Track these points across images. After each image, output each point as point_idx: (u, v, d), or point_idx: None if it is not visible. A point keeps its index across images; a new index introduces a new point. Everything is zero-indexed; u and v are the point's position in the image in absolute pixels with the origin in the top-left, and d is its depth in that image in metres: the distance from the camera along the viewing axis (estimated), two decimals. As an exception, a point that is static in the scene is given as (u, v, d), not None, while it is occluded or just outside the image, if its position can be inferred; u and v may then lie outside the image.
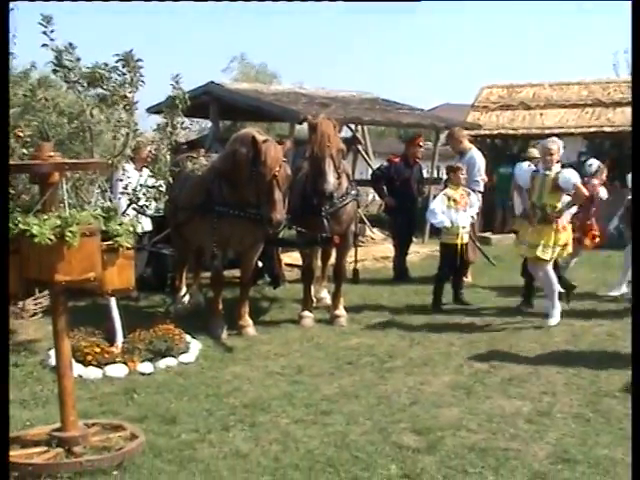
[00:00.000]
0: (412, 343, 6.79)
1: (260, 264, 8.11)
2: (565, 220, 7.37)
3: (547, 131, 15.38)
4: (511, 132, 15.74)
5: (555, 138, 7.90)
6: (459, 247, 8.12)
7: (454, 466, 4.14)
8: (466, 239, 8.23)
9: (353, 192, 7.75)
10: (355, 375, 5.85)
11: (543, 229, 7.29)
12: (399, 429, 4.68)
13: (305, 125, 8.52)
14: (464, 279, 9.38)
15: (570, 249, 7.58)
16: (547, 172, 7.34)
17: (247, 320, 7.22)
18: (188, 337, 6.50)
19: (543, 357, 6.30)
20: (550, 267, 7.36)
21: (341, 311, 7.72)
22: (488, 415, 4.92)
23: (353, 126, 14.09)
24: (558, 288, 7.44)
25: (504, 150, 16.45)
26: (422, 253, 11.50)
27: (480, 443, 4.45)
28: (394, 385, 5.57)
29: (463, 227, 8.14)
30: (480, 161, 9.50)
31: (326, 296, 8.52)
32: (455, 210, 8.07)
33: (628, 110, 14.92)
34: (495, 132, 15.81)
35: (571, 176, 7.29)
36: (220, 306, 7.17)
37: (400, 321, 7.55)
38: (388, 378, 5.75)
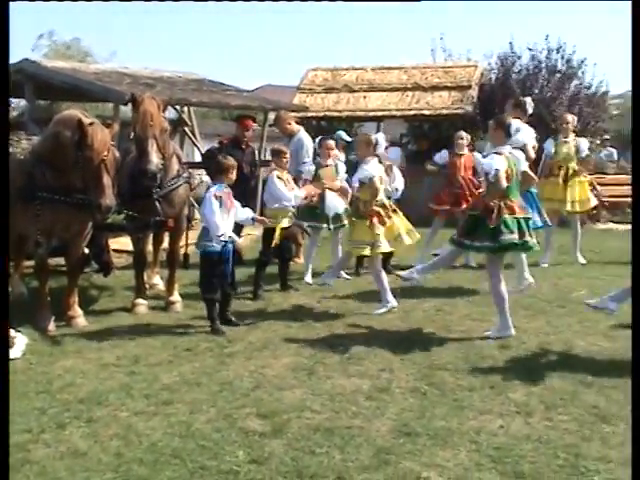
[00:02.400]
0: (250, 327, 6.76)
1: (87, 251, 7.75)
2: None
3: (371, 113, 15.87)
4: (336, 114, 16.05)
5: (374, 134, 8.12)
6: (281, 231, 7.97)
7: (301, 447, 4.15)
8: (287, 224, 7.95)
9: (185, 174, 7.57)
10: (195, 362, 5.73)
11: (357, 225, 7.30)
12: (244, 414, 4.63)
13: (130, 106, 8.19)
14: (296, 261, 9.48)
15: (414, 235, 7.50)
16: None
17: (76, 310, 6.90)
18: (12, 331, 6.08)
19: (378, 335, 6.48)
20: (378, 262, 7.42)
21: (176, 297, 7.55)
22: (330, 395, 4.98)
23: (179, 107, 13.78)
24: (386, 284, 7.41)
25: (330, 132, 16.71)
26: (254, 235, 11.47)
27: (325, 423, 4.50)
28: (235, 370, 5.51)
29: (288, 211, 7.93)
30: (308, 143, 9.56)
31: (159, 282, 8.31)
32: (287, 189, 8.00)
33: (445, 94, 15.69)
34: (321, 114, 16.06)
35: (365, 170, 7.28)
36: (46, 297, 6.79)
37: (236, 305, 7.49)
38: (229, 363, 5.69)
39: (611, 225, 14.57)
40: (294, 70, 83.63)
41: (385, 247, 7.20)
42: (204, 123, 24.93)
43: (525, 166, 7.00)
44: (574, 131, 10.26)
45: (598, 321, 6.71)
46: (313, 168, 8.81)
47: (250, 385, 5.19)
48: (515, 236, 6.22)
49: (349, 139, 10.89)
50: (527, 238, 6.32)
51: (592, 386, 5.10)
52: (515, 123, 6.84)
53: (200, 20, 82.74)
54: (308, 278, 8.56)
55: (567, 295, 7.97)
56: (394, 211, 7.40)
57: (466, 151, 9.93)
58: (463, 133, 10.02)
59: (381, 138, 7.61)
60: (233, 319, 6.89)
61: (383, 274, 7.39)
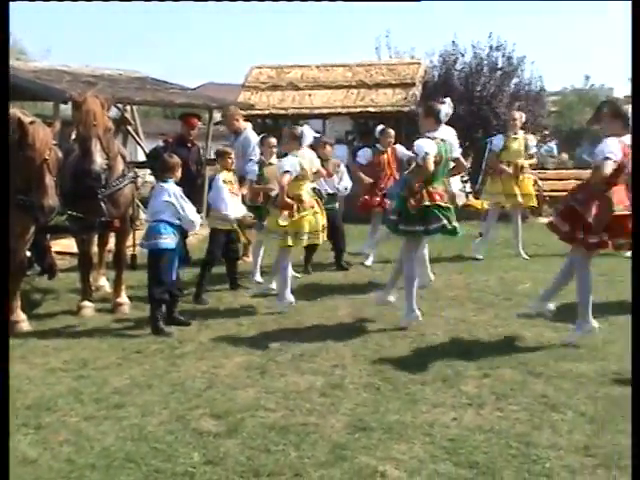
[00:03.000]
0: (201, 327, 6.69)
1: (29, 254, 7.57)
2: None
3: (316, 111, 15.85)
4: (282, 112, 15.99)
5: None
6: (231, 232, 7.92)
7: (256, 446, 4.13)
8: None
9: (130, 174, 7.46)
10: (145, 364, 5.65)
11: (271, 215, 7.38)
12: (197, 415, 4.59)
13: (70, 105, 8.04)
14: (244, 260, 9.43)
15: (317, 238, 7.45)
16: None
17: (19, 315, 6.73)
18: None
19: (330, 331, 6.48)
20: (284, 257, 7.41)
21: (123, 299, 7.44)
22: (284, 392, 4.97)
23: (121, 106, 13.58)
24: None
25: (275, 130, 16.68)
26: (200, 235, 11.35)
27: (279, 421, 4.48)
28: (187, 371, 5.45)
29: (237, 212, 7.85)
30: (255, 140, 9.50)
31: (105, 284, 8.17)
32: (230, 196, 7.89)
33: (389, 91, 15.78)
34: (266, 112, 15.98)
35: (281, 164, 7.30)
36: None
37: (185, 306, 7.41)
38: (180, 364, 5.62)
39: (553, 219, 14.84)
40: (237, 68, 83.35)
41: (293, 241, 7.22)
42: (147, 122, 24.64)
43: (458, 152, 7.08)
44: (522, 128, 10.43)
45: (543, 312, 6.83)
46: (256, 168, 8.70)
47: (202, 385, 5.14)
48: (444, 222, 6.37)
49: (318, 135, 10.93)
50: (454, 224, 6.50)
51: (541, 376, 5.19)
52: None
53: (138, 17, 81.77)
54: (257, 277, 8.52)
55: (513, 288, 8.10)
56: (312, 207, 7.32)
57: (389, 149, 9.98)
58: (391, 131, 10.08)
59: (307, 131, 7.55)
60: (182, 319, 6.82)
61: (288, 270, 7.41)
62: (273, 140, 8.55)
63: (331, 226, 8.69)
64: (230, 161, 7.91)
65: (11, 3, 5.37)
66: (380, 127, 10.14)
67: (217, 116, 14.50)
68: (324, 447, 4.11)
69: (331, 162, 9.12)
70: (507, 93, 15.74)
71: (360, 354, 5.80)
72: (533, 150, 10.38)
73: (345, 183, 9.20)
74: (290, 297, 7.30)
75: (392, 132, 9.94)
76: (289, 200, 7.07)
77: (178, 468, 3.89)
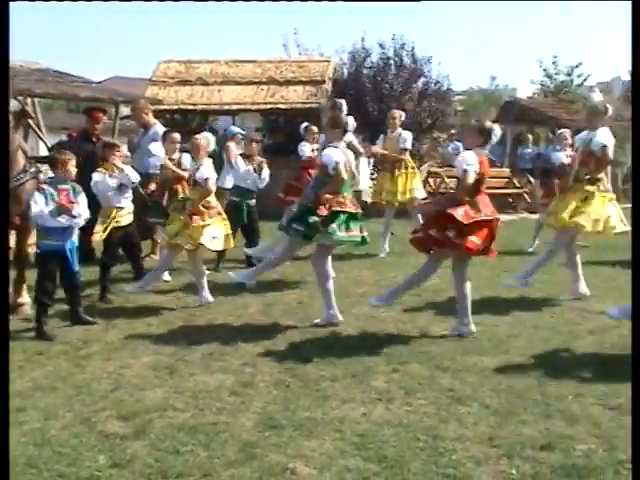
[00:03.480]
0: (108, 327, 6.54)
1: None
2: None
3: (226, 107, 15.77)
4: (190, 107, 15.82)
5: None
6: (127, 228, 7.66)
7: (165, 448, 4.06)
8: (128, 221, 7.63)
9: (32, 169, 7.21)
10: (48, 366, 5.48)
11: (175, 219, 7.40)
12: (104, 417, 4.47)
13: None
14: (152, 257, 9.29)
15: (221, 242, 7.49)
16: None
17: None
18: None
19: (240, 329, 6.45)
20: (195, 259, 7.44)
21: (25, 298, 7.18)
22: (193, 392, 4.91)
23: (22, 99, 13.12)
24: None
25: (184, 125, 16.50)
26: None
27: (189, 421, 4.43)
28: (93, 372, 5.32)
29: (122, 209, 7.57)
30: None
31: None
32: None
33: (299, 88, 15.83)
34: (175, 107, 15.78)
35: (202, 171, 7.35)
36: None
37: (92, 305, 7.23)
38: (85, 366, 5.48)
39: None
40: (144, 62, 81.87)
41: (213, 245, 7.31)
42: (49, 115, 23.89)
43: (353, 163, 7.18)
44: (401, 125, 10.60)
45: (452, 308, 6.98)
46: (158, 162, 8.51)
47: (109, 387, 5.02)
48: (354, 232, 6.46)
49: (244, 132, 10.94)
50: (364, 233, 6.58)
51: (447, 370, 5.30)
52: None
53: (37, 6, 79.24)
54: (165, 275, 8.40)
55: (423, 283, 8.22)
56: (219, 213, 7.45)
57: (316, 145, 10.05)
58: (315, 128, 10.13)
59: (212, 139, 7.68)
60: (89, 318, 6.65)
61: (203, 271, 7.47)
62: (176, 135, 8.38)
63: (249, 223, 8.69)
64: (117, 154, 7.63)
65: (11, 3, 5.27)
66: (304, 124, 10.20)
67: (123, 110, 14.21)
68: (234, 446, 4.08)
69: (256, 159, 9.06)
70: (415, 91, 16.03)
71: (271, 352, 5.79)
72: (403, 145, 10.45)
73: (265, 180, 9.16)
74: (208, 296, 7.36)
75: (316, 129, 10.00)
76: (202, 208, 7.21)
77: (83, 472, 3.78)
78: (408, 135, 10.48)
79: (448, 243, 5.95)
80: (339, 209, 6.35)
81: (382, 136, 10.53)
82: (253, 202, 9.14)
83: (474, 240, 5.88)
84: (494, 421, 4.39)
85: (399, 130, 10.43)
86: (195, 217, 7.14)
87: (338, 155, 6.38)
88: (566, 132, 11.48)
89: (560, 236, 7.46)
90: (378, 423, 4.37)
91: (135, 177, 7.60)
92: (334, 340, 6.10)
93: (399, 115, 10.53)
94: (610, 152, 7.22)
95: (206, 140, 7.52)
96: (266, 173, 9.03)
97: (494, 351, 5.74)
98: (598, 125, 7.28)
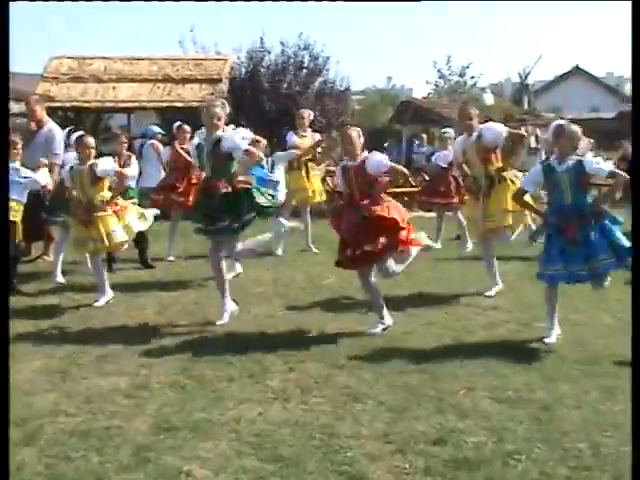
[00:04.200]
0: (-5, 330, 6.30)
1: None
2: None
3: (121, 104, 15.45)
4: (84, 105, 15.42)
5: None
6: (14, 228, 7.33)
7: (56, 454, 3.94)
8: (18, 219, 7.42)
9: None
10: None
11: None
12: (-10, 425, 4.31)
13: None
14: (44, 258, 9.05)
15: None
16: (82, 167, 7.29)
17: None
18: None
19: (136, 331, 6.35)
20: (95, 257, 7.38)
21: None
22: (86, 396, 4.79)
23: None
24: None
25: (78, 123, 16.07)
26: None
27: (81, 426, 4.32)
28: (-21, 378, 5.11)
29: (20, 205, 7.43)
30: (59, 134, 9.09)
31: None
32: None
33: (196, 86, 15.69)
34: (67, 104, 15.34)
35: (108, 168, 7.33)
36: None
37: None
38: (-30, 371, 5.26)
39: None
40: (34, 58, 79.08)
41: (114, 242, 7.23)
42: None
43: None
44: (310, 126, 10.68)
45: (349, 307, 7.09)
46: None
47: (-4, 392, 4.84)
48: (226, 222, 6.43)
49: (163, 132, 10.81)
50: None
51: (344, 368, 5.35)
52: None
53: None
54: (59, 278, 8.18)
55: (319, 283, 8.32)
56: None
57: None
58: (187, 127, 10.10)
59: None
60: None
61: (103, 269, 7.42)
62: (91, 140, 7.97)
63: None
64: (14, 152, 7.40)
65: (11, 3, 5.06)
66: (177, 123, 10.16)
67: (13, 107, 13.69)
68: (128, 450, 4.00)
69: (124, 155, 8.89)
70: (313, 91, 16.14)
71: (167, 353, 5.71)
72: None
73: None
74: (110, 293, 7.31)
75: (188, 128, 9.94)
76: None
77: (-32, 483, 3.63)
78: (318, 136, 10.57)
79: (384, 250, 6.10)
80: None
81: (291, 132, 10.52)
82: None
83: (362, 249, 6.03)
84: (389, 417, 4.46)
85: (309, 131, 10.48)
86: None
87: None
88: (450, 131, 11.85)
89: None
90: (274, 423, 4.38)
91: (44, 181, 7.63)
92: (231, 340, 6.07)
93: (308, 114, 10.57)
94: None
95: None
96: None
97: (390, 348, 5.83)
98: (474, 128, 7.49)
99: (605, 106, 32.72)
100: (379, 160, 6.22)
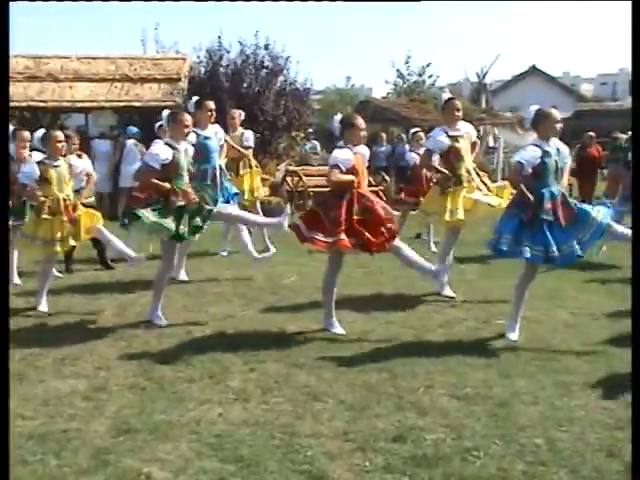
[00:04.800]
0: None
1: None
2: None
3: (78, 104, 15.26)
4: (41, 104, 15.20)
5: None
6: None
7: (13, 458, 3.86)
8: None
9: None
10: None
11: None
12: (-55, 430, 4.24)
13: None
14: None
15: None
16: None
17: None
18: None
19: (94, 332, 6.28)
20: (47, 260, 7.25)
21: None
22: (43, 399, 4.74)
23: None
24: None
25: (35, 123, 15.84)
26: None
27: (39, 429, 4.27)
28: None
29: None
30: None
31: None
32: None
33: (155, 86, 15.57)
34: (24, 104, 15.10)
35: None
36: None
37: None
38: None
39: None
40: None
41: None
42: None
43: None
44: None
45: (309, 306, 7.10)
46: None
47: (-50, 397, 4.76)
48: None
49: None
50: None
51: (304, 367, 5.37)
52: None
53: None
54: (16, 279, 8.07)
55: (279, 282, 8.32)
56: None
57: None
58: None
59: None
60: None
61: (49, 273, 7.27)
62: (26, 134, 7.97)
63: None
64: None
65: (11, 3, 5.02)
66: (158, 123, 10.07)
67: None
68: (86, 453, 3.97)
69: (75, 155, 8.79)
70: (273, 91, 16.12)
71: (126, 355, 5.67)
72: (250, 144, 10.44)
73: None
74: (44, 305, 7.08)
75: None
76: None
77: None
78: (250, 134, 10.48)
79: (311, 240, 6.10)
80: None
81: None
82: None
83: (336, 238, 5.99)
84: (349, 416, 4.49)
85: (240, 129, 10.42)
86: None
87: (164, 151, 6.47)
88: (421, 132, 11.96)
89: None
90: (235, 423, 4.38)
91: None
92: (191, 341, 6.05)
93: (239, 114, 10.52)
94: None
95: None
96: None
97: (349, 347, 5.87)
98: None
99: (562, 105, 33.10)
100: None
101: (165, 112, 6.98)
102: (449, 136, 7.50)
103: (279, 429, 4.29)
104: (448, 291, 7.61)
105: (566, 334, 6.18)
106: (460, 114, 7.64)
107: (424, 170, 10.57)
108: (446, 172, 7.53)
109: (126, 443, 4.10)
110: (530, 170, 5.85)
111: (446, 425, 4.31)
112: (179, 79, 15.63)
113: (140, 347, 5.87)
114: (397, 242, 6.27)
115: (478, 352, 5.66)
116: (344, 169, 6.08)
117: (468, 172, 7.48)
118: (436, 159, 7.78)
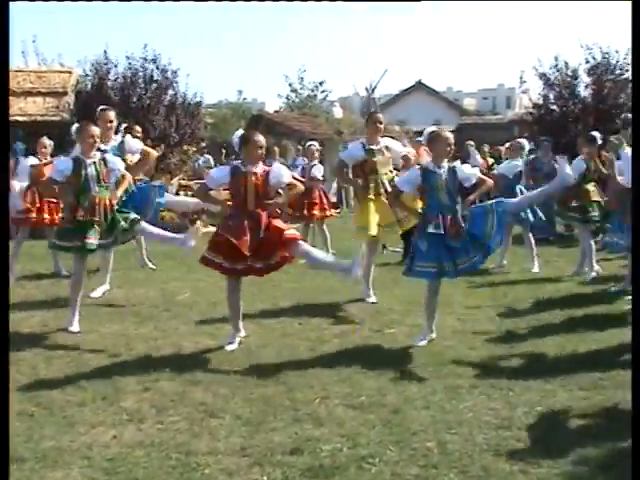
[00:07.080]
0: None
1: None
2: None
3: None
4: None
5: None
6: None
7: None
8: None
9: None
10: None
11: None
12: None
13: None
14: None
15: None
16: None
17: None
18: None
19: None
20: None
21: None
22: None
23: None
24: None
25: None
26: None
27: None
28: None
29: None
30: None
31: None
32: None
33: (40, 100, 15.11)
34: None
35: None
36: None
37: None
38: None
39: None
40: None
41: None
42: None
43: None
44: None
45: (204, 322, 7.05)
46: None
47: None
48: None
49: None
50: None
51: (200, 384, 5.30)
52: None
53: None
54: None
55: (173, 298, 8.22)
56: None
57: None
58: (47, 140, 9.83)
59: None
60: None
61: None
62: None
63: None
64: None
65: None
66: (43, 138, 9.87)
67: None
68: (-29, 486, 3.80)
69: None
70: (163, 105, 15.94)
71: (12, 380, 5.41)
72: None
73: None
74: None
75: (47, 142, 9.70)
76: None
77: None
78: (133, 141, 10.38)
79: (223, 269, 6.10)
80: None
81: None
82: None
83: (245, 264, 6.00)
84: (246, 431, 4.47)
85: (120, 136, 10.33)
86: None
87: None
88: (314, 145, 12.12)
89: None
90: (129, 445, 4.28)
91: None
92: (82, 362, 5.87)
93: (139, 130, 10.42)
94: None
95: None
96: None
97: (245, 361, 5.84)
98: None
99: (446, 119, 34.21)
100: (283, 173, 6.34)
101: (74, 126, 6.97)
102: (365, 149, 7.70)
103: (175, 449, 4.22)
104: (372, 297, 7.89)
105: (454, 339, 6.38)
106: (381, 127, 7.82)
107: (313, 183, 10.80)
108: (358, 182, 7.73)
109: (14, 474, 3.92)
110: (407, 189, 6.34)
111: (342, 435, 4.35)
112: (65, 93, 15.23)
113: (27, 371, 5.65)
114: (305, 246, 6.34)
115: (372, 361, 5.75)
116: (212, 187, 6.37)
117: (381, 185, 7.66)
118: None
